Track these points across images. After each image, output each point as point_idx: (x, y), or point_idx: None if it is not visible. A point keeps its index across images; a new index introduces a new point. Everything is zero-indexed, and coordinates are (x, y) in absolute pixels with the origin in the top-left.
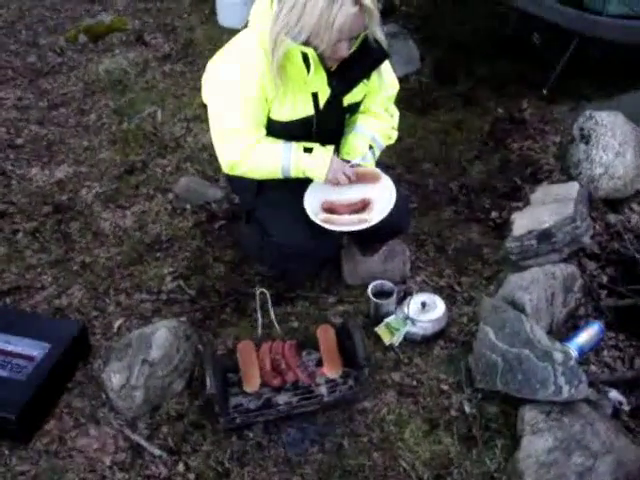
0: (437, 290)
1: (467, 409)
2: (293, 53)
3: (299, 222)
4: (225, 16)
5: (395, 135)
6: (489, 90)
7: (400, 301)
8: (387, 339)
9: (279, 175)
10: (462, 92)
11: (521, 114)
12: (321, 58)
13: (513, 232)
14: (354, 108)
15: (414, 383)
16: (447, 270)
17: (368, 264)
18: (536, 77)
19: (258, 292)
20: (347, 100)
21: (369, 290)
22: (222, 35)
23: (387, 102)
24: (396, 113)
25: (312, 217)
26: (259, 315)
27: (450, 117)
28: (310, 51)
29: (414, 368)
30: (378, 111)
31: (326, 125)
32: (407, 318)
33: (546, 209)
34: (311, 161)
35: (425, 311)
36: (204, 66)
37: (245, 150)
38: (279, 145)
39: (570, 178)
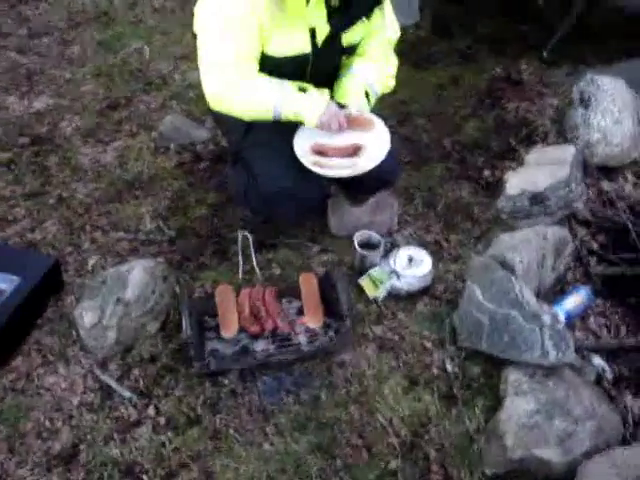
0: (424, 246)
1: (449, 367)
2: None
3: (287, 164)
4: None
5: (392, 84)
6: (488, 48)
7: (386, 254)
8: (371, 292)
9: (269, 114)
10: (460, 48)
11: (519, 75)
12: None
13: (506, 191)
14: (352, 50)
15: (396, 338)
16: (435, 226)
17: (355, 215)
18: (537, 38)
19: (240, 236)
20: (346, 40)
21: (355, 240)
22: None
23: (387, 47)
24: (395, 60)
25: (301, 159)
26: (240, 259)
27: (447, 73)
28: None
29: (396, 323)
30: (376, 56)
31: (322, 65)
32: (392, 272)
33: (541, 171)
34: (305, 103)
35: (411, 266)
36: (195, 2)
37: (232, 83)
38: (272, 81)
39: (566, 142)
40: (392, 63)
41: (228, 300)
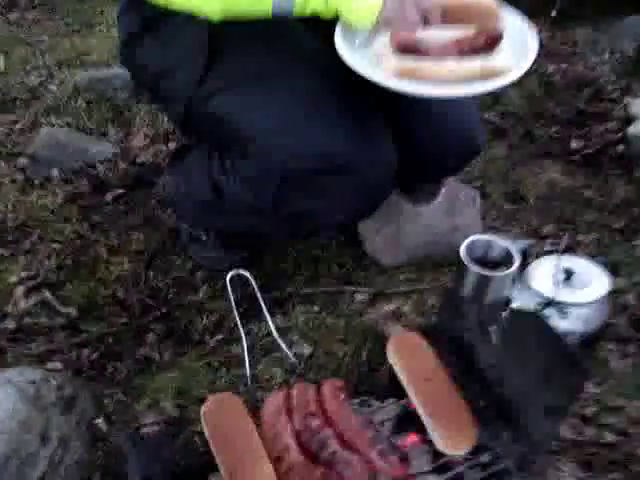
0: (571, 250)
1: None
2: None
3: (320, 110)
4: None
5: None
6: None
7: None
8: None
9: (264, 6)
10: None
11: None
12: None
13: None
14: None
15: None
16: (543, 224)
17: (419, 223)
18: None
19: (228, 277)
20: None
21: (463, 253)
22: None
23: None
24: None
25: (366, 73)
26: (242, 331)
27: None
28: None
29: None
30: None
31: None
32: (548, 303)
33: None
34: None
35: (574, 287)
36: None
37: None
38: None
39: None
40: None
41: (237, 428)
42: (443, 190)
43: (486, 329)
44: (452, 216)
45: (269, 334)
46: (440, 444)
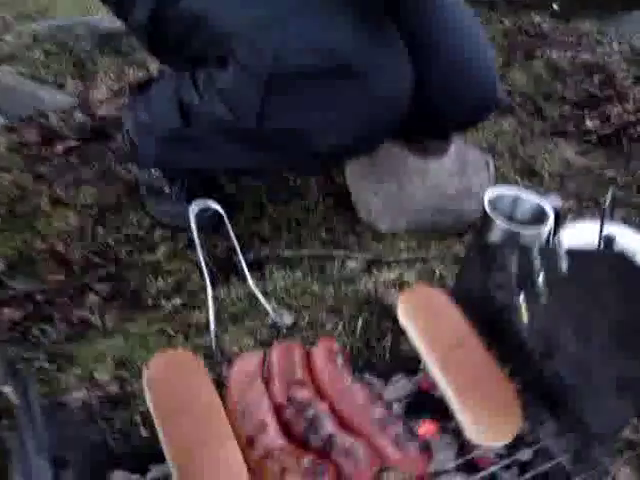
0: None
1: None
2: None
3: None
4: None
5: None
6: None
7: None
8: None
9: None
10: None
11: (536, 28)
12: None
13: None
14: None
15: None
16: (564, 202)
17: (425, 183)
18: None
19: (191, 210)
20: None
21: (487, 205)
22: None
23: None
24: None
25: None
26: (208, 286)
27: None
28: None
29: None
30: None
31: None
32: None
33: None
34: None
35: None
36: None
37: None
38: None
39: None
40: None
41: (192, 397)
42: (453, 149)
43: (533, 282)
44: (463, 178)
45: (240, 299)
46: (472, 433)
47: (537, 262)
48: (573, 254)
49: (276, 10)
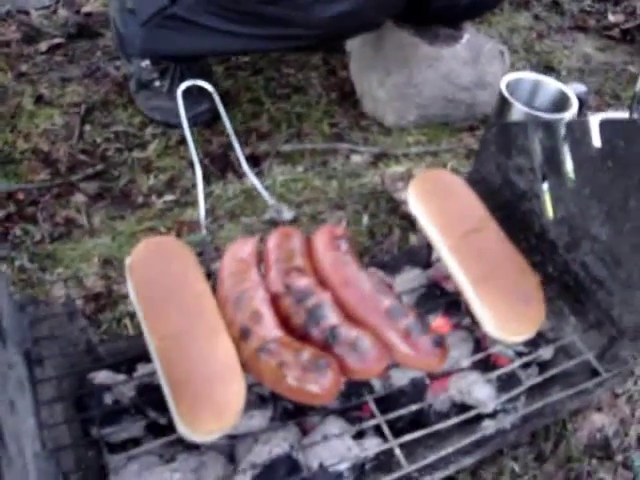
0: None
1: None
2: None
3: None
4: None
5: None
6: None
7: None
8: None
9: None
10: None
11: None
12: None
13: None
14: None
15: None
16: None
17: (436, 71)
18: None
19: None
20: None
21: (504, 89)
22: None
23: None
24: None
25: None
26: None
27: None
28: None
29: None
30: None
31: None
32: None
33: None
34: None
35: None
36: None
37: None
38: None
39: None
40: None
41: (179, 284)
42: (466, 38)
43: (559, 166)
44: (477, 67)
45: (236, 196)
46: (490, 327)
47: (563, 140)
48: (608, 125)
49: None
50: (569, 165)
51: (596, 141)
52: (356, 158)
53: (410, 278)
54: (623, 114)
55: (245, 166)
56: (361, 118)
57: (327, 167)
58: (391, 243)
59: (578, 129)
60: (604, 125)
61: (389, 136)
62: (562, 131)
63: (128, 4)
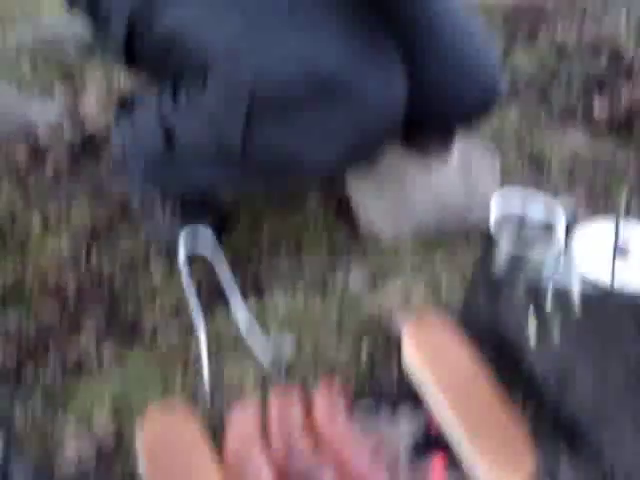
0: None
1: None
2: None
3: (298, 12)
4: None
5: None
6: None
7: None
8: None
9: None
10: None
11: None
12: None
13: None
14: None
15: None
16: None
17: (428, 186)
18: None
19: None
20: None
21: (493, 209)
22: None
23: None
24: None
25: None
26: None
27: None
28: None
29: None
30: None
31: None
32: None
33: None
34: None
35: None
36: None
37: None
38: None
39: None
40: None
41: (188, 459)
42: (456, 149)
43: (544, 319)
44: (467, 176)
45: (237, 330)
46: (485, 474)
47: (549, 305)
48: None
49: (255, 28)
50: (554, 324)
51: (577, 311)
52: (355, 276)
53: (408, 420)
54: (610, 224)
55: (240, 322)
56: (357, 231)
57: (327, 287)
58: (389, 375)
59: (561, 298)
60: (583, 297)
61: (386, 251)
62: (547, 294)
63: (127, 139)
